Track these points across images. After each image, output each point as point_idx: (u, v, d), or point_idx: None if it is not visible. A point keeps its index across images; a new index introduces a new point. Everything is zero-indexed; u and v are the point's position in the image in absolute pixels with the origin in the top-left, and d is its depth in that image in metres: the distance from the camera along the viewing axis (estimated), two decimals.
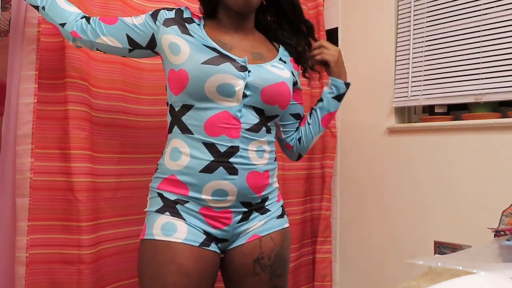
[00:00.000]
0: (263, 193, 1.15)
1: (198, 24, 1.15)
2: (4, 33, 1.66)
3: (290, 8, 1.22)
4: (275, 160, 1.21)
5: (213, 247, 1.10)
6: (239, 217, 1.13)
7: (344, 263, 2.18)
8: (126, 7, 1.53)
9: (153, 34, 1.14)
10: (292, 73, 1.21)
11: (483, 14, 1.70)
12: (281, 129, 1.30)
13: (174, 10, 1.16)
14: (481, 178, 1.68)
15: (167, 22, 1.13)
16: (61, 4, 1.19)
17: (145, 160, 1.55)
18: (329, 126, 1.50)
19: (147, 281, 1.07)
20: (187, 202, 1.09)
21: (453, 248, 1.74)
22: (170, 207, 1.09)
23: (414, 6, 1.92)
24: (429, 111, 1.96)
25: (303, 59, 1.26)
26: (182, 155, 1.09)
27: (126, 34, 1.15)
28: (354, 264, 2.14)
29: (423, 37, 1.89)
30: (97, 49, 1.19)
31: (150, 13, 1.16)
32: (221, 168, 1.07)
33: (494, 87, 1.66)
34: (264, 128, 1.14)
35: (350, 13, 2.18)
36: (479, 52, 1.71)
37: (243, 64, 1.09)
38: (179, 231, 1.07)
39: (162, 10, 1.15)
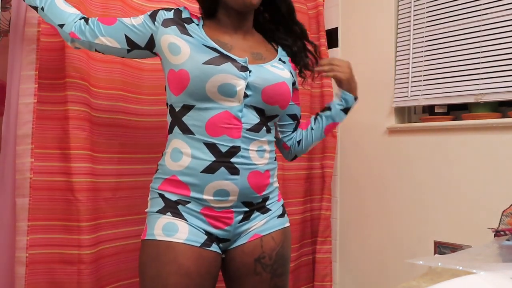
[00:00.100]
0: (264, 193, 1.15)
1: (197, 24, 1.15)
2: (4, 33, 1.66)
3: (284, 9, 1.22)
4: (275, 159, 1.21)
5: (214, 247, 1.10)
6: (241, 216, 1.13)
7: (344, 263, 2.18)
8: (126, 7, 1.53)
9: (151, 34, 1.14)
10: (291, 73, 1.21)
11: (483, 14, 1.70)
12: (279, 129, 1.31)
13: (173, 11, 1.16)
14: (481, 178, 1.68)
15: (166, 23, 1.13)
16: (60, 5, 1.19)
17: (145, 160, 1.55)
18: None
19: (148, 281, 1.07)
20: (188, 202, 1.09)
21: (453, 248, 1.74)
22: (172, 208, 1.09)
23: (414, 6, 1.92)
24: (429, 111, 1.96)
25: (298, 58, 1.27)
26: (183, 155, 1.09)
27: (125, 35, 1.15)
28: (354, 264, 2.14)
29: (423, 37, 1.89)
30: (96, 50, 1.19)
31: (149, 13, 1.16)
32: (222, 168, 1.07)
33: (494, 87, 1.66)
34: (264, 128, 1.14)
35: (350, 13, 2.18)
36: (479, 52, 1.71)
37: (244, 64, 1.10)
38: (181, 231, 1.07)
39: (160, 11, 1.15)
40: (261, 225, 1.16)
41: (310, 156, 2.13)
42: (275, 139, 1.24)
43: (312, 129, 1.31)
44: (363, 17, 2.11)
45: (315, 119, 1.31)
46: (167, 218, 1.08)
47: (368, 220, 2.07)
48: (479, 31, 1.71)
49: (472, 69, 1.73)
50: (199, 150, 1.08)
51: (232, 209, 1.11)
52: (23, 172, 1.31)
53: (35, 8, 1.20)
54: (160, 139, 1.50)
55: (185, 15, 1.16)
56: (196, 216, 1.09)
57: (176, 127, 1.12)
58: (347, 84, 1.28)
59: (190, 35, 1.11)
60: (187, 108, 1.10)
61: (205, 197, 1.08)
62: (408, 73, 1.93)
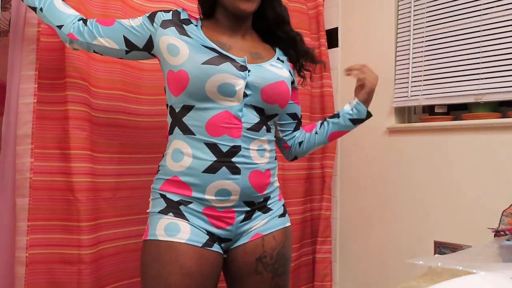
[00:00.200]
0: (265, 192, 1.16)
1: (196, 25, 1.16)
2: (4, 33, 1.66)
3: (271, 16, 1.21)
4: (275, 159, 1.21)
5: (215, 247, 1.10)
6: (242, 216, 1.13)
7: (344, 263, 2.18)
8: (126, 7, 1.53)
9: (150, 36, 1.14)
10: (290, 72, 1.22)
11: (483, 14, 1.70)
12: (279, 128, 1.31)
13: (171, 12, 1.16)
14: (481, 178, 1.68)
15: (165, 24, 1.13)
16: (58, 6, 1.19)
17: (145, 160, 1.55)
18: None
19: (150, 281, 1.07)
20: (190, 202, 1.10)
21: (453, 248, 1.74)
22: (174, 208, 1.10)
23: (414, 6, 1.92)
24: (429, 111, 1.96)
25: (294, 58, 1.25)
26: (185, 156, 1.09)
27: (123, 36, 1.15)
28: (354, 264, 2.14)
29: (423, 37, 1.89)
30: (94, 51, 1.19)
31: (147, 15, 1.17)
32: (224, 168, 1.07)
33: (494, 87, 1.65)
34: (264, 127, 1.14)
35: (350, 13, 2.18)
36: (479, 52, 1.71)
37: (242, 64, 1.10)
38: (183, 231, 1.07)
39: (159, 12, 1.16)
40: (262, 224, 1.16)
41: (310, 156, 2.13)
42: (275, 139, 1.24)
43: (316, 133, 1.30)
44: (363, 17, 2.11)
45: (321, 123, 1.30)
46: (169, 219, 1.09)
47: (368, 220, 2.07)
48: (479, 31, 1.71)
49: (472, 69, 1.72)
50: (200, 150, 1.08)
51: (233, 209, 1.11)
52: (23, 172, 1.31)
53: (34, 9, 1.20)
54: (160, 139, 1.50)
55: (183, 16, 1.17)
56: (198, 216, 1.09)
57: (176, 127, 1.12)
58: (367, 94, 1.24)
59: (189, 36, 1.12)
60: (187, 109, 1.10)
61: (207, 197, 1.08)
62: (408, 73, 1.93)
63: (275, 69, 1.15)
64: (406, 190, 1.92)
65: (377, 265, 2.03)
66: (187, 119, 1.10)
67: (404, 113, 2.05)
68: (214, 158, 1.07)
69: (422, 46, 1.89)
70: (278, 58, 1.21)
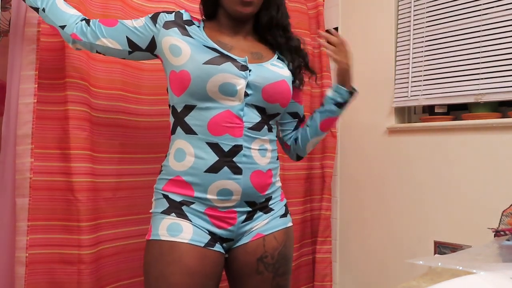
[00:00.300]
0: (266, 192, 1.16)
1: (198, 26, 1.17)
2: (4, 33, 1.66)
3: (264, 20, 1.20)
4: (277, 159, 1.21)
5: (217, 247, 1.11)
6: (244, 216, 1.13)
7: (344, 263, 2.18)
8: (126, 7, 1.53)
9: (153, 36, 1.15)
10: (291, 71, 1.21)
11: (483, 14, 1.70)
12: (280, 127, 1.31)
13: (174, 13, 1.17)
14: (481, 178, 1.68)
15: (167, 25, 1.14)
16: (61, 6, 1.20)
17: (145, 160, 1.55)
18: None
19: (153, 281, 1.07)
20: (193, 203, 1.10)
21: (453, 248, 1.74)
22: (176, 208, 1.10)
23: (414, 6, 1.92)
24: (429, 111, 1.96)
25: (292, 58, 1.24)
26: (187, 155, 1.09)
27: (126, 36, 1.16)
28: (354, 264, 2.14)
29: (423, 37, 1.89)
30: (97, 51, 1.20)
31: (150, 16, 1.17)
32: (225, 168, 1.08)
33: (494, 87, 1.65)
34: (266, 127, 1.15)
35: (350, 13, 2.18)
36: (479, 52, 1.71)
37: (243, 63, 1.11)
38: (185, 231, 1.08)
39: (161, 13, 1.16)
40: (264, 224, 1.16)
41: (310, 156, 2.13)
42: (278, 139, 1.24)
43: (307, 126, 1.28)
44: (363, 17, 2.11)
45: (311, 116, 1.29)
46: (172, 219, 1.09)
47: (368, 220, 2.07)
48: (479, 31, 1.71)
49: (472, 69, 1.72)
50: (202, 149, 1.08)
51: (235, 209, 1.12)
52: (23, 172, 1.31)
53: (36, 9, 1.20)
54: (160, 139, 1.51)
55: (186, 17, 1.17)
56: (200, 217, 1.10)
57: (178, 127, 1.12)
58: (341, 76, 1.23)
59: (191, 37, 1.12)
60: (189, 108, 1.10)
61: (208, 196, 1.09)
62: (408, 73, 1.93)
63: (276, 69, 1.16)
64: (406, 190, 1.92)
65: (377, 265, 2.03)
66: (189, 119, 1.10)
67: (404, 113, 2.05)
68: (216, 158, 1.07)
69: (422, 46, 1.89)
70: (278, 58, 1.22)
